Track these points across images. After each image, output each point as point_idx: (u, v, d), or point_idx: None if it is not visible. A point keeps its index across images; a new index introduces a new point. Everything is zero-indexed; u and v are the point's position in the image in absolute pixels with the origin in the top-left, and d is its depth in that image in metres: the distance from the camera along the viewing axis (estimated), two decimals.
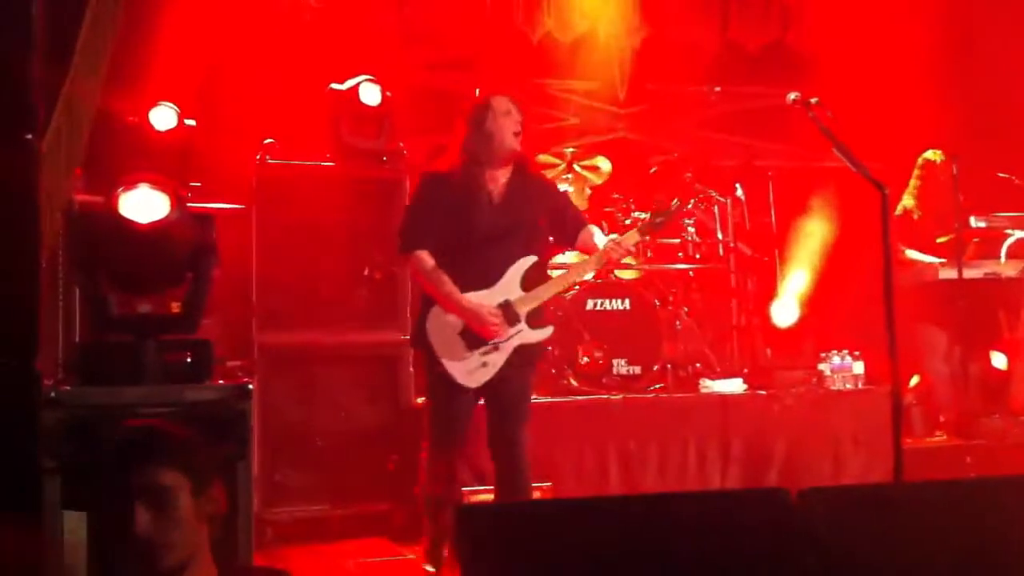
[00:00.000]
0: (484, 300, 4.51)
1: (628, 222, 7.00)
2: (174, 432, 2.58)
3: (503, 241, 4.57)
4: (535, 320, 4.60)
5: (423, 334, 4.56)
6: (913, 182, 7.22)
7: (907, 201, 7.19)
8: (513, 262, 4.57)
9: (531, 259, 4.60)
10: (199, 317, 3.76)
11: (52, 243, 4.30)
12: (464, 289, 4.50)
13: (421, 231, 4.58)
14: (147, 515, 2.41)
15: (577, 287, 6.67)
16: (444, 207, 4.57)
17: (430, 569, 4.75)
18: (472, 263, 4.53)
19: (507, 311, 4.52)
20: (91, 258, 3.69)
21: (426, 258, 4.53)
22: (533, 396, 6.25)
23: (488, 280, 4.54)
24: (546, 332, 4.66)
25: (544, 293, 4.62)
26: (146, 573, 2.43)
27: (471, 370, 4.51)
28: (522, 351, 4.57)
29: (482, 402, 4.68)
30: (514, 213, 4.61)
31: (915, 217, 7.12)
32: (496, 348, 4.51)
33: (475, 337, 4.50)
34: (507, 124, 4.60)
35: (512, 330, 4.52)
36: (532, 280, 4.60)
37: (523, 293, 4.57)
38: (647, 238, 5.09)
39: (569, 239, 4.81)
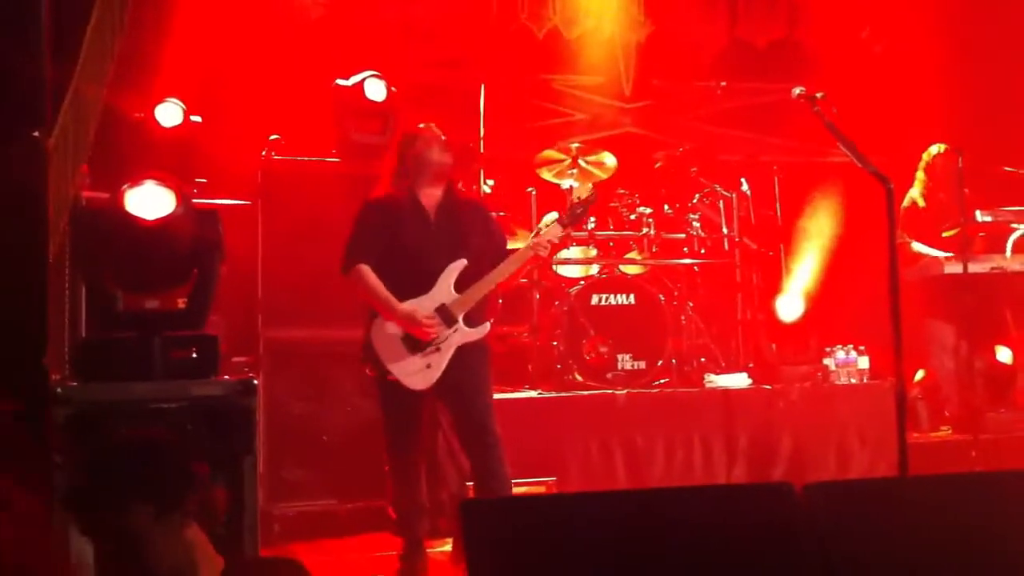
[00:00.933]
0: (421, 305, 4.76)
1: (633, 217, 7.02)
2: (138, 454, 2.56)
3: (438, 251, 4.85)
4: (472, 320, 4.84)
5: (370, 347, 4.80)
6: (919, 175, 7.21)
7: (913, 193, 7.18)
8: (446, 268, 4.82)
9: (462, 263, 4.85)
10: (205, 313, 3.77)
11: (59, 239, 4.31)
12: (402, 298, 4.75)
13: (361, 248, 4.84)
14: (110, 552, 2.42)
15: (583, 282, 6.69)
16: (383, 226, 4.86)
17: None
18: (409, 273, 4.79)
19: (443, 314, 4.78)
20: (97, 254, 3.70)
21: (366, 271, 4.79)
22: (539, 391, 6.34)
23: (424, 287, 4.79)
24: (484, 329, 4.90)
25: (476, 293, 4.86)
26: None
27: (415, 372, 4.76)
28: (463, 350, 4.81)
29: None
30: (447, 225, 4.91)
31: (920, 208, 7.11)
32: (437, 349, 4.76)
33: (416, 341, 4.74)
34: (434, 151, 4.92)
35: (449, 331, 4.77)
36: (464, 283, 4.85)
37: (456, 296, 4.82)
38: (569, 230, 5.44)
39: (483, 268, 4.93)
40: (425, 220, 4.89)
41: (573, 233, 6.68)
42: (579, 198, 5.56)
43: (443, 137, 4.98)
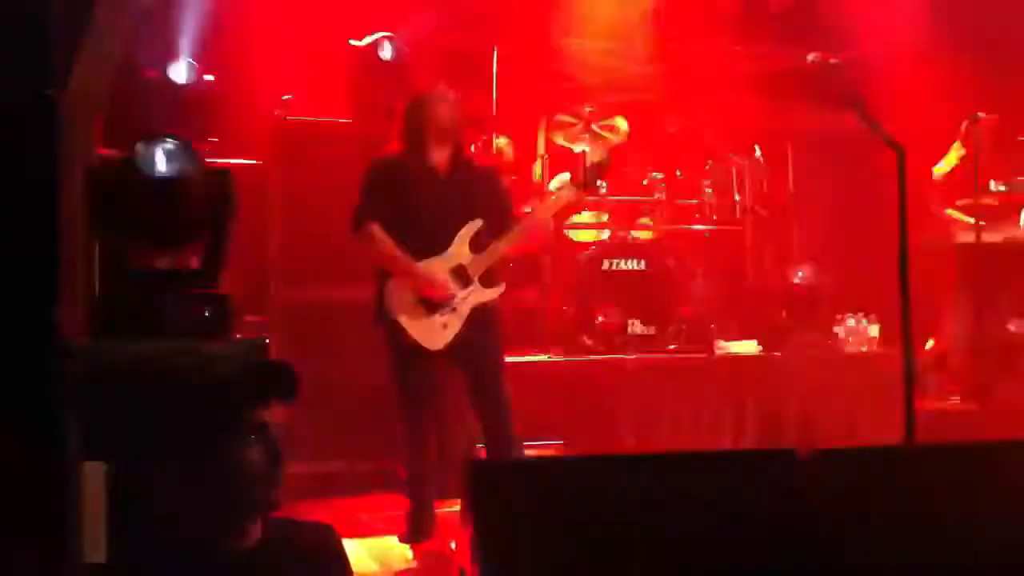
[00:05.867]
0: (436, 266, 4.75)
1: (645, 182, 7.01)
2: (270, 363, 2.60)
3: (450, 210, 4.83)
4: (487, 280, 4.85)
5: (382, 308, 4.78)
6: (957, 143, 7.15)
7: (950, 160, 7.13)
8: (460, 228, 4.80)
9: (477, 223, 4.84)
10: (218, 272, 3.79)
11: (72, 197, 4.32)
12: (416, 259, 4.74)
13: (371, 208, 4.80)
14: (259, 450, 2.44)
15: (593, 247, 6.69)
16: (392, 186, 4.82)
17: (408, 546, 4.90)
18: (422, 233, 4.77)
19: (459, 274, 4.78)
20: (110, 212, 3.72)
21: (377, 231, 4.76)
22: (549, 355, 6.36)
23: (439, 247, 4.78)
24: (499, 290, 4.91)
25: (493, 254, 4.85)
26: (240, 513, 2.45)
27: (433, 332, 4.76)
28: (479, 310, 4.82)
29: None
30: (458, 185, 4.87)
31: (954, 177, 7.07)
32: (454, 310, 4.77)
33: (432, 301, 4.74)
34: (443, 109, 4.85)
35: (466, 291, 4.77)
36: (480, 243, 4.84)
37: (472, 256, 4.81)
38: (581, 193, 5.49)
39: (495, 229, 4.92)
40: (435, 180, 4.86)
41: (585, 198, 6.68)
42: (593, 162, 5.57)
43: (453, 97, 4.91)
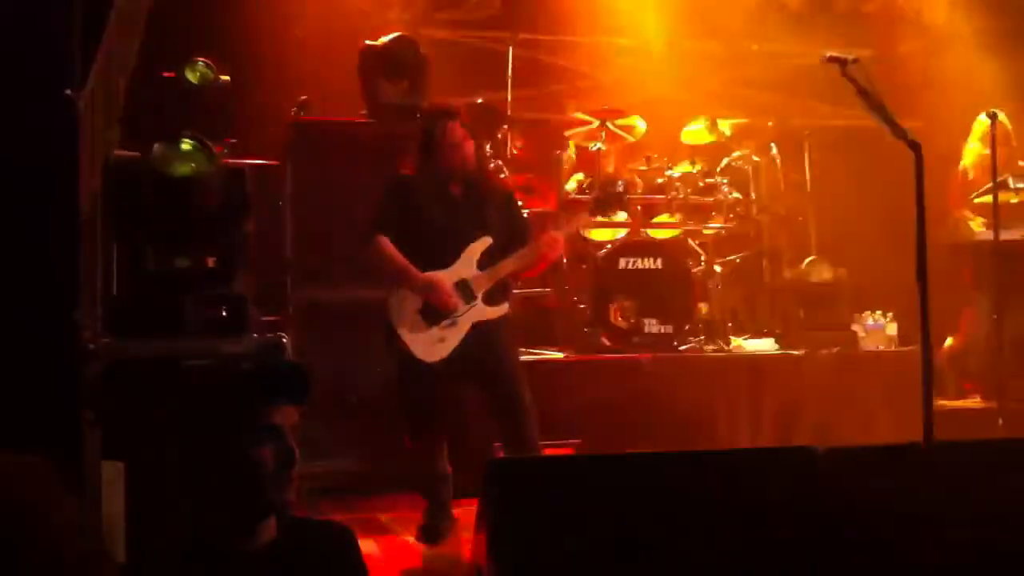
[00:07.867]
0: (441, 277, 4.73)
1: (661, 181, 7.00)
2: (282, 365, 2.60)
3: (461, 226, 4.81)
4: (492, 298, 4.81)
5: (388, 325, 4.76)
6: (975, 147, 7.11)
7: (966, 161, 7.10)
8: (469, 244, 4.79)
9: (487, 240, 4.82)
10: (234, 271, 3.81)
11: (91, 197, 4.35)
12: (424, 271, 4.72)
13: (383, 221, 4.81)
14: (271, 452, 2.46)
15: (610, 245, 6.68)
16: (407, 202, 4.81)
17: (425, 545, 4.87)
18: (430, 247, 4.76)
19: (463, 289, 4.75)
20: (128, 212, 3.74)
21: (386, 243, 4.76)
22: (566, 354, 6.36)
23: (446, 261, 4.76)
24: (502, 309, 4.87)
25: (498, 273, 4.82)
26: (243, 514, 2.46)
27: (428, 344, 4.73)
28: (480, 327, 4.77)
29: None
30: (470, 203, 4.86)
31: (970, 177, 7.03)
32: (454, 323, 4.73)
33: (434, 312, 4.71)
34: (455, 154, 4.82)
35: (467, 306, 4.73)
36: (488, 260, 4.82)
37: (478, 272, 4.79)
38: (596, 217, 5.59)
39: (505, 248, 4.90)
40: (448, 199, 4.85)
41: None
42: (608, 192, 5.58)
43: (463, 135, 4.84)
